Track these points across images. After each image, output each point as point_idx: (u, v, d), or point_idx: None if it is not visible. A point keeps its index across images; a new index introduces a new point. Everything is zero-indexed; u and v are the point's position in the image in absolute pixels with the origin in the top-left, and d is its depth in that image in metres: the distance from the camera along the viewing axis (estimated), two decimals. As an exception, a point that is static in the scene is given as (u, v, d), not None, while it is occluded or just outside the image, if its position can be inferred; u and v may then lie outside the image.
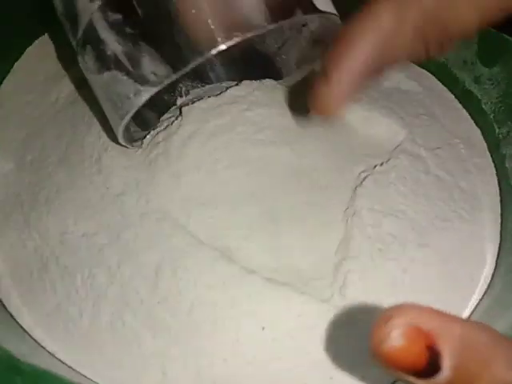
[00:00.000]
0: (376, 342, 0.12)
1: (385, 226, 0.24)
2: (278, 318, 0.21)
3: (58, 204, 0.24)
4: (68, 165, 0.25)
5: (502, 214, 0.26)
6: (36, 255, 0.23)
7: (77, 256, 0.23)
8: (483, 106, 0.29)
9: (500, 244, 0.25)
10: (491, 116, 0.29)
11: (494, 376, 0.12)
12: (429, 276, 0.23)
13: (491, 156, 0.28)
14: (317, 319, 0.21)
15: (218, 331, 0.21)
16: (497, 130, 0.29)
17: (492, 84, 0.29)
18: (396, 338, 0.12)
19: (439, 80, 0.31)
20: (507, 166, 0.27)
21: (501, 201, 0.26)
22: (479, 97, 0.29)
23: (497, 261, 0.24)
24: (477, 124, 0.29)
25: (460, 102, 0.31)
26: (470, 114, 0.30)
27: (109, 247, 0.22)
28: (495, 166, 0.28)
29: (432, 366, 0.12)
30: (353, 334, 0.21)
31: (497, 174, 0.27)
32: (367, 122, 0.27)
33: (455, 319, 0.13)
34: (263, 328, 0.21)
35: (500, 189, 0.27)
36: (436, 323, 0.12)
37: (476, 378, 0.12)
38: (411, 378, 0.12)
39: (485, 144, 0.28)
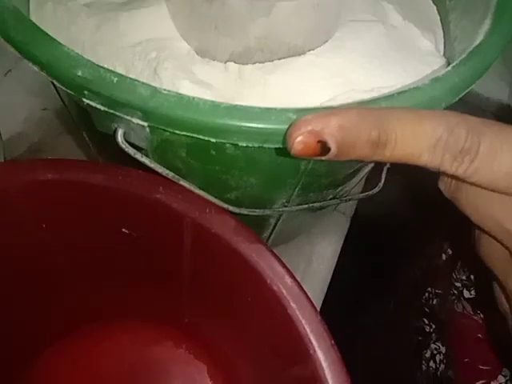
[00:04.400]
0: (291, 143, 0.19)
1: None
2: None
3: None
4: None
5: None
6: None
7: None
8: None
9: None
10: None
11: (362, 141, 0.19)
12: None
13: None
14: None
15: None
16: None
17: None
18: (299, 142, 0.19)
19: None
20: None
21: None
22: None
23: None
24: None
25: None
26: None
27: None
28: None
29: (326, 148, 0.19)
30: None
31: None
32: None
33: (332, 113, 0.19)
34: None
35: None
36: (320, 123, 0.19)
37: (352, 147, 0.19)
38: (317, 158, 0.19)
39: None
